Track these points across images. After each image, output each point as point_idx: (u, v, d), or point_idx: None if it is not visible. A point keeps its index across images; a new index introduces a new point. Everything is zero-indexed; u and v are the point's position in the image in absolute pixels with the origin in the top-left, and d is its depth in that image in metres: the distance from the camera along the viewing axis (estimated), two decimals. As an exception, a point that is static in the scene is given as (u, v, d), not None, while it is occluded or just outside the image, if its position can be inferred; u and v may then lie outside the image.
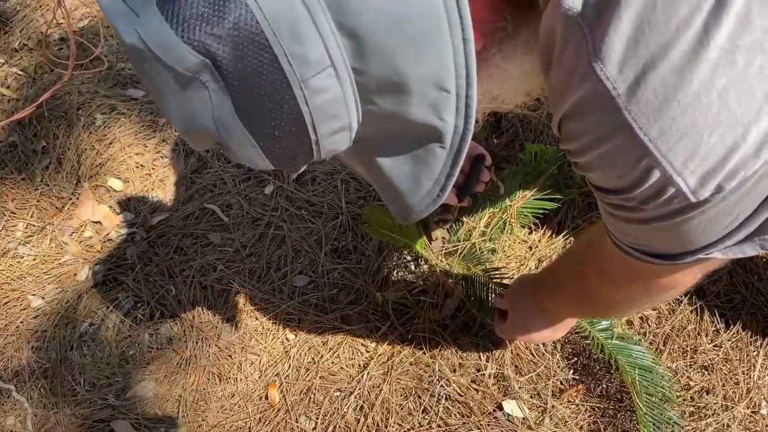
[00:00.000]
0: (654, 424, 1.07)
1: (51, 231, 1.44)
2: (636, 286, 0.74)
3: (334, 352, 1.25)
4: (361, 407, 1.18)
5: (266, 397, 1.21)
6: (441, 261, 1.27)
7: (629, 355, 1.13)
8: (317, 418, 1.18)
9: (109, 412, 1.20)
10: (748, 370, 1.16)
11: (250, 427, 1.18)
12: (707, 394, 1.13)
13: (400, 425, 1.16)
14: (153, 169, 1.53)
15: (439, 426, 1.15)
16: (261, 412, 1.20)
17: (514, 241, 1.31)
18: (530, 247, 1.31)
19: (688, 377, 1.16)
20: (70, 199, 1.49)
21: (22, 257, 1.41)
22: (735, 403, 1.13)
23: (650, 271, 0.67)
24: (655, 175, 0.49)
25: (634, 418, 1.11)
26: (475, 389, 1.18)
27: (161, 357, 1.27)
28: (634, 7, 0.44)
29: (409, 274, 1.32)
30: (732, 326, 1.20)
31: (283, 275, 1.35)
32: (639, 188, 0.51)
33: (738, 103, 0.46)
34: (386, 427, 1.15)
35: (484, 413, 1.15)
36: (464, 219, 1.30)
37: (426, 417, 1.16)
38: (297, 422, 1.18)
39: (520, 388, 1.17)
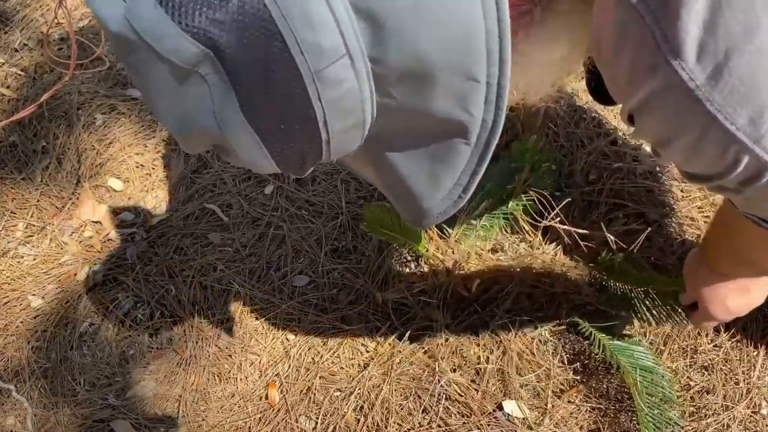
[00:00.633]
0: (654, 424, 1.07)
1: (51, 231, 1.44)
2: None
3: (334, 352, 1.25)
4: (361, 407, 1.18)
5: (266, 397, 1.21)
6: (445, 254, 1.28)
7: (630, 355, 1.13)
8: (317, 418, 1.18)
9: (109, 412, 1.20)
10: (748, 370, 1.16)
11: (250, 427, 1.18)
12: (707, 394, 1.13)
13: (400, 425, 1.16)
14: (153, 169, 1.53)
15: (439, 426, 1.15)
16: (261, 412, 1.20)
17: (512, 242, 1.31)
18: (531, 247, 1.31)
19: (688, 377, 1.16)
20: (70, 199, 1.49)
21: (22, 257, 1.41)
22: (735, 403, 1.12)
23: None
24: (746, 160, 0.45)
25: (634, 419, 1.11)
26: (475, 389, 1.18)
27: (161, 357, 1.27)
28: None
29: (409, 274, 1.32)
30: (732, 326, 1.20)
31: (283, 275, 1.35)
32: (732, 173, 0.47)
33: None
34: (386, 427, 1.15)
35: (484, 413, 1.15)
36: (459, 214, 1.30)
37: (426, 417, 1.16)
38: (297, 422, 1.18)
39: (520, 388, 1.17)
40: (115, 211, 1.47)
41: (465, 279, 1.27)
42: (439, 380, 1.18)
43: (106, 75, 1.71)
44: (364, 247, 1.36)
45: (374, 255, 1.33)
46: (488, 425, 1.14)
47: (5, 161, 1.56)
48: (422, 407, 1.17)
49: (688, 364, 1.17)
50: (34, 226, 1.46)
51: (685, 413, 1.12)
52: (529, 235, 1.32)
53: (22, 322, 1.32)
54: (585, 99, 1.51)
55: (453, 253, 1.30)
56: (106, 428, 1.19)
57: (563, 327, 1.21)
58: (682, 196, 1.35)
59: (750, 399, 1.13)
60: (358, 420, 1.17)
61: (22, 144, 1.58)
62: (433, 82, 0.40)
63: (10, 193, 1.51)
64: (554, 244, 1.31)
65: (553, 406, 1.15)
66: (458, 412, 1.16)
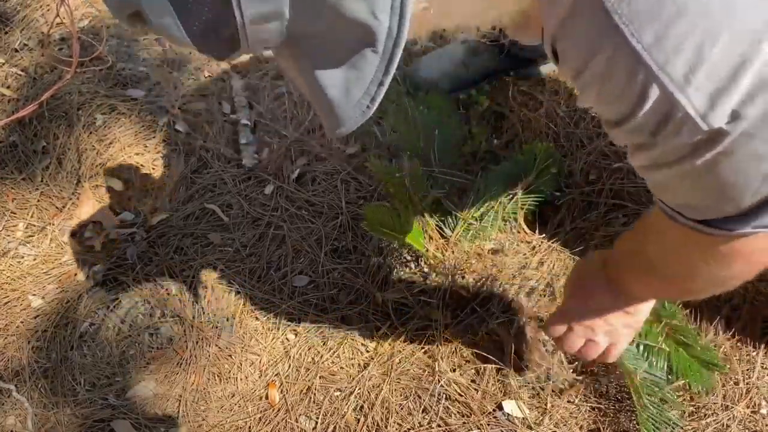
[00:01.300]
0: (654, 425, 1.08)
1: (51, 231, 1.44)
2: (695, 254, 0.64)
3: (334, 352, 1.25)
4: (361, 407, 1.18)
5: (266, 397, 1.21)
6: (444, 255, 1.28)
7: (630, 355, 1.13)
8: (317, 418, 1.18)
9: (110, 412, 1.20)
10: (747, 370, 1.16)
11: (250, 427, 1.18)
12: (707, 393, 1.13)
13: (400, 425, 1.16)
14: (153, 169, 1.53)
15: (439, 426, 1.15)
16: (261, 411, 1.20)
17: (512, 242, 1.31)
18: (533, 247, 1.31)
19: (687, 377, 1.16)
20: (71, 199, 1.49)
21: (23, 257, 1.41)
22: (735, 403, 1.13)
23: (705, 240, 0.58)
24: (655, 92, 0.44)
25: (634, 419, 1.11)
26: (475, 389, 1.18)
27: (161, 357, 1.27)
28: None
29: (410, 274, 1.32)
30: (732, 326, 1.20)
31: (283, 275, 1.35)
32: (641, 109, 0.46)
33: (745, 6, 0.41)
34: (386, 426, 1.15)
35: (484, 413, 1.15)
36: (459, 214, 1.30)
37: (426, 417, 1.16)
38: (297, 422, 1.18)
39: (520, 387, 1.17)
40: (115, 211, 1.47)
41: (465, 279, 1.28)
42: (439, 380, 1.18)
43: (106, 75, 1.71)
44: (364, 247, 1.36)
45: (374, 255, 1.33)
46: (488, 425, 1.14)
47: (5, 161, 1.56)
48: (422, 407, 1.17)
49: (688, 364, 1.17)
50: (34, 226, 1.46)
51: (684, 413, 1.12)
52: (530, 235, 1.33)
53: (22, 322, 1.32)
54: (585, 99, 1.51)
55: (453, 253, 1.30)
56: (106, 428, 1.19)
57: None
58: (682, 197, 1.35)
59: (749, 399, 1.13)
60: (358, 420, 1.17)
61: (22, 144, 1.58)
62: None
63: (10, 193, 1.51)
64: (554, 244, 1.31)
65: (552, 405, 1.15)
66: (458, 412, 1.16)
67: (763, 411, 1.13)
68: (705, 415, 1.12)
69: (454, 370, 1.20)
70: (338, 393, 1.21)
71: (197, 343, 1.28)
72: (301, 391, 1.21)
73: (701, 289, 0.74)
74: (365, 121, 0.52)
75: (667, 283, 0.77)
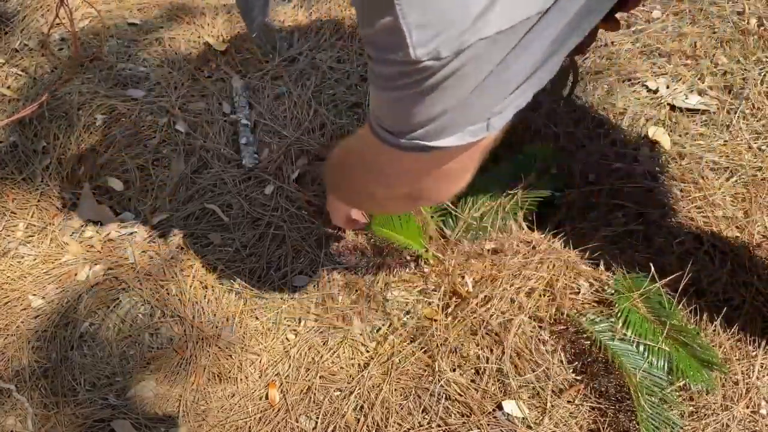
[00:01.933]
0: (654, 425, 1.08)
1: (51, 231, 1.44)
2: (370, 161, 0.77)
3: (334, 352, 1.25)
4: (361, 407, 1.18)
5: (266, 397, 1.21)
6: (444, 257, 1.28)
7: (630, 355, 1.13)
8: (317, 418, 1.18)
9: (110, 412, 1.20)
10: (747, 370, 1.16)
11: (250, 427, 1.18)
12: (707, 393, 1.13)
13: (400, 425, 1.16)
14: (153, 169, 1.53)
15: (438, 426, 1.15)
16: (261, 411, 1.20)
17: (512, 242, 1.31)
18: (533, 247, 1.31)
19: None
20: (71, 199, 1.49)
21: (23, 257, 1.41)
22: (734, 403, 1.13)
23: (379, 149, 0.70)
24: (388, 17, 0.52)
25: (633, 419, 1.11)
26: (475, 389, 1.18)
27: (161, 357, 1.27)
28: None
29: (409, 274, 1.32)
30: (732, 326, 1.20)
31: (283, 275, 1.35)
32: (372, 23, 0.55)
33: None
34: (386, 426, 1.15)
35: (483, 413, 1.15)
36: (459, 215, 1.30)
37: (426, 417, 1.16)
38: (297, 422, 1.18)
39: (519, 387, 1.17)
40: (115, 211, 1.47)
41: (465, 279, 1.28)
42: (438, 380, 1.18)
43: (106, 75, 1.71)
44: (364, 247, 1.36)
45: (374, 255, 1.33)
46: (488, 425, 1.14)
47: (6, 161, 1.56)
48: (422, 407, 1.17)
49: (688, 364, 1.17)
50: (34, 226, 1.46)
51: (684, 413, 1.12)
52: (530, 235, 1.33)
53: (22, 322, 1.32)
54: (584, 99, 1.51)
55: (453, 253, 1.30)
56: (106, 428, 1.19)
57: (563, 327, 1.22)
58: (682, 196, 1.35)
59: (749, 399, 1.13)
60: (358, 420, 1.17)
61: (22, 144, 1.58)
62: None
63: (10, 193, 1.51)
64: (554, 244, 1.31)
65: (552, 405, 1.15)
66: (458, 412, 1.16)
67: (763, 411, 1.13)
68: (705, 415, 1.12)
69: (454, 370, 1.20)
70: (338, 393, 1.21)
71: (197, 343, 1.28)
72: (301, 391, 1.21)
73: (377, 197, 0.85)
74: None
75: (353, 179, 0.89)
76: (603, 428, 1.13)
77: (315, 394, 1.21)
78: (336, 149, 0.96)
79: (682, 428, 1.10)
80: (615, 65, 1.56)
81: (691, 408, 1.13)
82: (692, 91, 1.50)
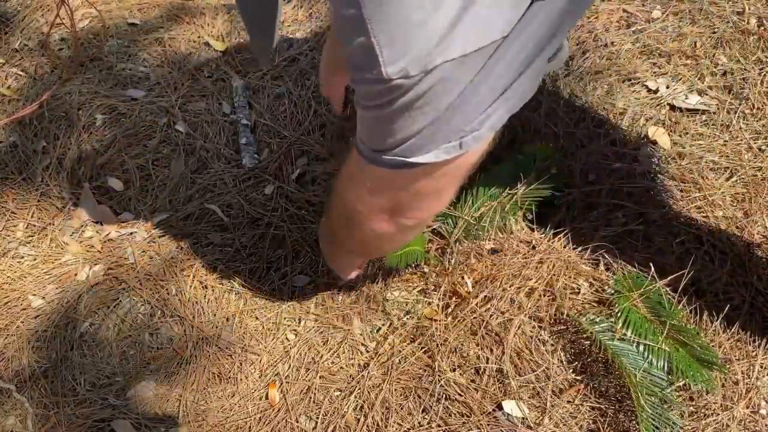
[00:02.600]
0: (654, 425, 1.08)
1: (51, 231, 1.44)
2: (355, 177, 0.81)
3: (334, 352, 1.25)
4: (361, 407, 1.18)
5: (266, 397, 1.21)
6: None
7: (630, 355, 1.13)
8: (317, 418, 1.18)
9: (110, 412, 1.20)
10: (747, 370, 1.16)
11: (250, 427, 1.18)
12: (707, 394, 1.13)
13: (400, 425, 1.16)
14: (153, 169, 1.53)
15: (438, 426, 1.15)
16: (261, 411, 1.20)
17: (512, 242, 1.31)
18: (533, 247, 1.31)
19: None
20: (71, 199, 1.49)
21: (23, 257, 1.41)
22: (734, 403, 1.13)
23: (362, 166, 0.75)
24: (362, 37, 0.56)
25: (633, 419, 1.11)
26: (475, 389, 1.18)
27: (161, 357, 1.27)
28: None
29: (409, 274, 1.32)
30: (732, 326, 1.20)
31: (283, 275, 1.35)
32: (350, 45, 0.59)
33: None
34: (386, 426, 1.15)
35: (483, 413, 1.15)
36: (459, 215, 1.30)
37: (426, 417, 1.16)
38: (297, 422, 1.18)
39: (519, 387, 1.17)
40: (115, 211, 1.47)
41: (465, 279, 1.28)
42: (438, 380, 1.18)
43: (106, 75, 1.71)
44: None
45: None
46: (488, 425, 1.14)
47: (6, 161, 1.56)
48: (422, 407, 1.17)
49: (688, 364, 1.17)
50: (34, 226, 1.46)
51: (684, 413, 1.12)
52: (530, 235, 1.33)
53: (22, 322, 1.32)
54: (584, 99, 1.51)
55: (453, 253, 1.30)
56: (106, 428, 1.19)
57: (563, 327, 1.22)
58: (682, 196, 1.35)
59: (749, 399, 1.13)
60: (358, 420, 1.17)
61: (22, 144, 1.58)
62: None
63: (10, 193, 1.51)
64: (554, 244, 1.31)
65: (552, 405, 1.15)
66: (458, 412, 1.16)
67: (763, 411, 1.13)
68: (705, 415, 1.12)
69: (454, 370, 1.20)
70: (338, 393, 1.21)
71: (197, 343, 1.28)
72: (301, 391, 1.21)
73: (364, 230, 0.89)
74: None
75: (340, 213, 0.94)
76: (603, 428, 1.13)
77: (315, 394, 1.21)
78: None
79: (682, 428, 1.10)
80: (615, 65, 1.56)
81: (691, 408, 1.13)
82: (692, 91, 1.51)
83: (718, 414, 1.12)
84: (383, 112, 0.63)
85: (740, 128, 1.44)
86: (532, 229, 1.33)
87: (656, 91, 1.52)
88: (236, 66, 1.70)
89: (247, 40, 1.77)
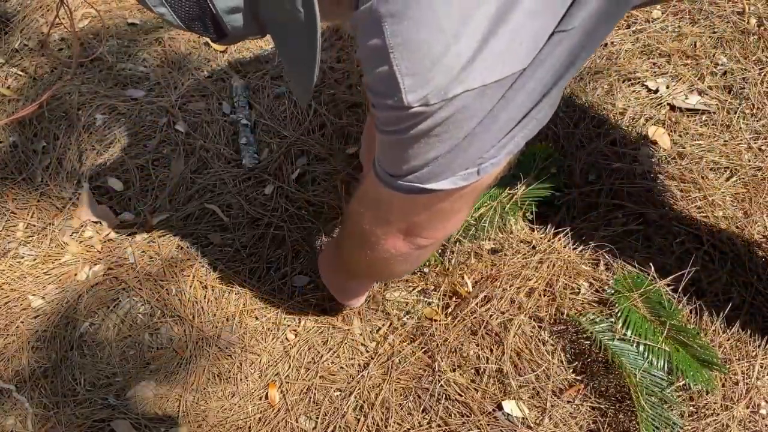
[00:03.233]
0: (654, 425, 1.08)
1: (51, 231, 1.44)
2: (371, 199, 0.82)
3: (334, 352, 1.25)
4: (361, 407, 1.18)
5: (266, 397, 1.21)
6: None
7: (630, 355, 1.13)
8: (317, 418, 1.18)
9: (110, 412, 1.20)
10: (747, 370, 1.16)
11: (250, 427, 1.18)
12: (707, 394, 1.13)
13: (400, 425, 1.16)
14: (153, 169, 1.53)
15: (438, 426, 1.15)
16: (261, 411, 1.20)
17: (512, 242, 1.31)
18: (533, 247, 1.31)
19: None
20: (71, 199, 1.49)
21: (23, 257, 1.41)
22: (734, 403, 1.13)
23: (379, 190, 0.75)
24: (384, 66, 0.58)
25: (633, 419, 1.11)
26: (475, 389, 1.18)
27: (161, 357, 1.27)
28: None
29: (410, 274, 1.32)
30: (732, 326, 1.20)
31: (283, 275, 1.35)
32: (372, 73, 0.60)
33: (443, 7, 0.54)
34: (386, 426, 1.15)
35: (483, 413, 1.15)
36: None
37: (426, 417, 1.16)
38: (297, 422, 1.18)
39: (519, 387, 1.17)
40: (115, 211, 1.47)
41: (465, 279, 1.28)
42: (438, 380, 1.18)
43: (106, 75, 1.71)
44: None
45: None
46: (488, 425, 1.14)
47: (5, 161, 1.56)
48: (422, 407, 1.17)
49: (688, 364, 1.17)
50: (34, 226, 1.46)
51: (684, 413, 1.12)
52: (530, 235, 1.33)
53: (22, 322, 1.32)
54: (584, 99, 1.51)
55: (453, 252, 1.30)
56: (106, 428, 1.19)
57: (563, 327, 1.22)
58: (682, 196, 1.35)
59: (749, 399, 1.13)
60: (358, 420, 1.17)
61: (22, 144, 1.58)
62: None
63: (10, 193, 1.51)
64: (554, 244, 1.31)
65: (552, 405, 1.15)
66: (458, 412, 1.16)
67: (763, 411, 1.13)
68: (705, 415, 1.12)
69: (454, 370, 1.20)
70: (338, 393, 1.21)
71: (197, 343, 1.28)
72: (301, 391, 1.21)
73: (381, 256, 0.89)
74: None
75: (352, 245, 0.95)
76: (603, 428, 1.13)
77: (315, 394, 1.21)
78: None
79: (682, 428, 1.10)
80: (615, 65, 1.56)
81: (691, 408, 1.13)
82: (692, 91, 1.51)
83: (718, 414, 1.12)
84: (402, 138, 0.64)
85: (740, 128, 1.44)
86: (532, 229, 1.33)
87: (656, 91, 1.52)
88: (236, 66, 1.70)
89: (248, 40, 1.77)
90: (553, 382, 1.17)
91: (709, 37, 1.59)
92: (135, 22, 1.83)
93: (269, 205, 1.44)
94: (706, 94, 1.50)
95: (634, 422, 1.11)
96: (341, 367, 1.24)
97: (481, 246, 1.31)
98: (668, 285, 1.23)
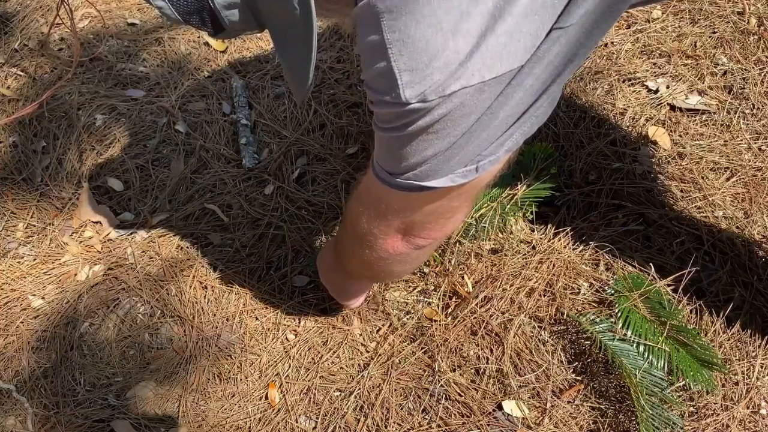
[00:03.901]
0: (654, 425, 1.08)
1: (51, 231, 1.44)
2: (369, 198, 0.81)
3: (334, 352, 1.25)
4: (361, 407, 1.18)
5: (266, 397, 1.21)
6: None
7: (630, 355, 1.13)
8: (317, 418, 1.18)
9: (109, 412, 1.20)
10: (747, 370, 1.16)
11: (250, 427, 1.18)
12: (707, 394, 1.13)
13: (400, 425, 1.16)
14: (153, 169, 1.53)
15: (438, 426, 1.15)
16: (261, 412, 1.20)
17: (512, 242, 1.31)
18: (533, 247, 1.31)
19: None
20: (71, 199, 1.49)
21: (23, 257, 1.41)
22: (734, 403, 1.13)
23: (378, 188, 0.75)
24: (382, 61, 0.57)
25: (634, 418, 1.11)
26: (475, 389, 1.18)
27: (161, 357, 1.27)
28: None
29: (410, 274, 1.32)
30: (732, 326, 1.20)
31: (283, 275, 1.35)
32: (370, 69, 0.60)
33: (441, 3, 0.54)
34: (386, 427, 1.15)
35: (483, 413, 1.15)
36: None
37: (426, 417, 1.16)
38: (297, 422, 1.18)
39: (519, 387, 1.17)
40: (115, 211, 1.47)
41: (465, 279, 1.28)
42: (438, 380, 1.18)
43: (106, 75, 1.71)
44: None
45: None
46: (488, 425, 1.14)
47: (5, 161, 1.56)
48: (422, 407, 1.17)
49: (688, 364, 1.17)
50: (34, 226, 1.46)
51: (684, 413, 1.12)
52: (530, 235, 1.33)
53: (22, 323, 1.32)
54: (584, 99, 1.51)
55: (453, 253, 1.30)
56: (106, 428, 1.19)
57: (563, 327, 1.22)
58: (682, 196, 1.35)
59: (749, 399, 1.13)
60: (358, 420, 1.17)
61: (22, 144, 1.58)
62: None
63: (10, 193, 1.51)
64: (554, 244, 1.31)
65: (552, 405, 1.15)
66: (458, 412, 1.16)
67: (763, 411, 1.13)
68: (705, 415, 1.12)
69: (454, 370, 1.20)
70: (338, 393, 1.21)
71: (197, 343, 1.28)
72: (301, 391, 1.21)
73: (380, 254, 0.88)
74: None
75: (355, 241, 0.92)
76: (603, 428, 1.13)
77: (315, 394, 1.21)
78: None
79: (682, 428, 1.10)
80: (615, 65, 1.56)
81: (691, 408, 1.13)
82: (692, 91, 1.51)
83: (718, 414, 1.12)
84: (399, 134, 0.64)
85: (740, 128, 1.44)
86: (532, 230, 1.33)
87: (656, 91, 1.52)
88: (236, 66, 1.70)
89: (247, 40, 1.76)
90: (553, 382, 1.17)
91: (709, 37, 1.59)
92: (135, 22, 1.83)
93: (269, 205, 1.44)
94: (706, 94, 1.50)
95: (634, 422, 1.11)
96: (341, 367, 1.24)
97: (481, 246, 1.31)
98: (668, 285, 1.23)
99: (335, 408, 1.19)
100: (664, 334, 1.14)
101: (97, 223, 1.45)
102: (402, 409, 1.17)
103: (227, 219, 1.43)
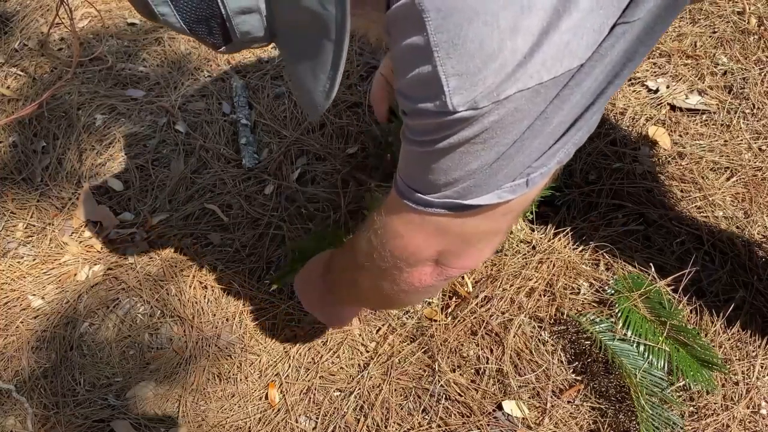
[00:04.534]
0: (654, 425, 1.07)
1: (51, 231, 1.44)
2: (394, 225, 0.70)
3: (334, 352, 1.25)
4: (361, 407, 1.18)
5: (266, 397, 1.21)
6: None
7: (630, 355, 1.13)
8: (317, 418, 1.18)
9: (109, 412, 1.20)
10: (747, 370, 1.16)
11: (250, 427, 1.18)
12: (707, 394, 1.13)
13: (400, 425, 1.16)
14: (153, 169, 1.53)
15: (438, 426, 1.15)
16: (261, 412, 1.20)
17: (512, 242, 1.31)
18: (533, 247, 1.31)
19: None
20: (71, 199, 1.49)
21: (22, 257, 1.41)
22: (734, 403, 1.13)
23: (407, 214, 0.66)
24: (426, 66, 0.52)
25: (634, 418, 1.11)
26: (475, 389, 1.18)
27: (161, 357, 1.27)
28: None
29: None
30: (732, 326, 1.20)
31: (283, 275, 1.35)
32: (408, 75, 0.54)
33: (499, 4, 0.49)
34: (386, 427, 1.15)
35: (483, 413, 1.15)
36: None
37: (426, 417, 1.16)
38: (297, 422, 1.18)
39: (519, 387, 1.17)
40: (115, 211, 1.47)
41: (465, 279, 1.28)
42: (438, 380, 1.18)
43: (106, 75, 1.71)
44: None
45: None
46: (488, 425, 1.14)
47: (5, 161, 1.56)
48: (422, 407, 1.17)
49: (688, 364, 1.17)
50: (34, 226, 1.46)
51: (684, 413, 1.12)
52: (530, 235, 1.33)
53: (22, 323, 1.32)
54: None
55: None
56: (106, 428, 1.19)
57: (563, 327, 1.22)
58: (682, 196, 1.35)
59: (750, 399, 1.13)
60: (358, 420, 1.17)
61: (22, 144, 1.58)
62: None
63: (10, 193, 1.51)
64: (554, 244, 1.31)
65: (552, 405, 1.15)
66: (458, 412, 1.16)
67: (763, 411, 1.13)
68: (705, 415, 1.12)
69: (454, 370, 1.20)
70: (338, 393, 1.21)
71: (197, 343, 1.28)
72: (301, 391, 1.21)
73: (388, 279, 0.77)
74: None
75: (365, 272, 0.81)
76: (603, 428, 1.13)
77: (315, 394, 1.21)
78: (313, 264, 1.00)
79: (682, 428, 1.10)
80: (615, 65, 1.56)
81: (692, 408, 1.13)
82: (692, 90, 1.50)
83: (718, 414, 1.12)
84: (439, 147, 0.57)
85: (740, 128, 1.44)
86: (532, 229, 1.33)
87: (656, 91, 1.52)
88: (236, 66, 1.70)
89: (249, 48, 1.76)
90: (553, 382, 1.17)
91: (710, 37, 1.59)
92: (135, 22, 1.83)
93: (269, 205, 1.44)
94: (706, 94, 1.50)
95: (634, 422, 1.11)
96: (341, 367, 1.24)
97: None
98: (668, 285, 1.23)
99: (335, 408, 1.19)
100: (664, 334, 1.14)
101: (97, 223, 1.45)
102: (402, 409, 1.17)
103: (227, 219, 1.43)
